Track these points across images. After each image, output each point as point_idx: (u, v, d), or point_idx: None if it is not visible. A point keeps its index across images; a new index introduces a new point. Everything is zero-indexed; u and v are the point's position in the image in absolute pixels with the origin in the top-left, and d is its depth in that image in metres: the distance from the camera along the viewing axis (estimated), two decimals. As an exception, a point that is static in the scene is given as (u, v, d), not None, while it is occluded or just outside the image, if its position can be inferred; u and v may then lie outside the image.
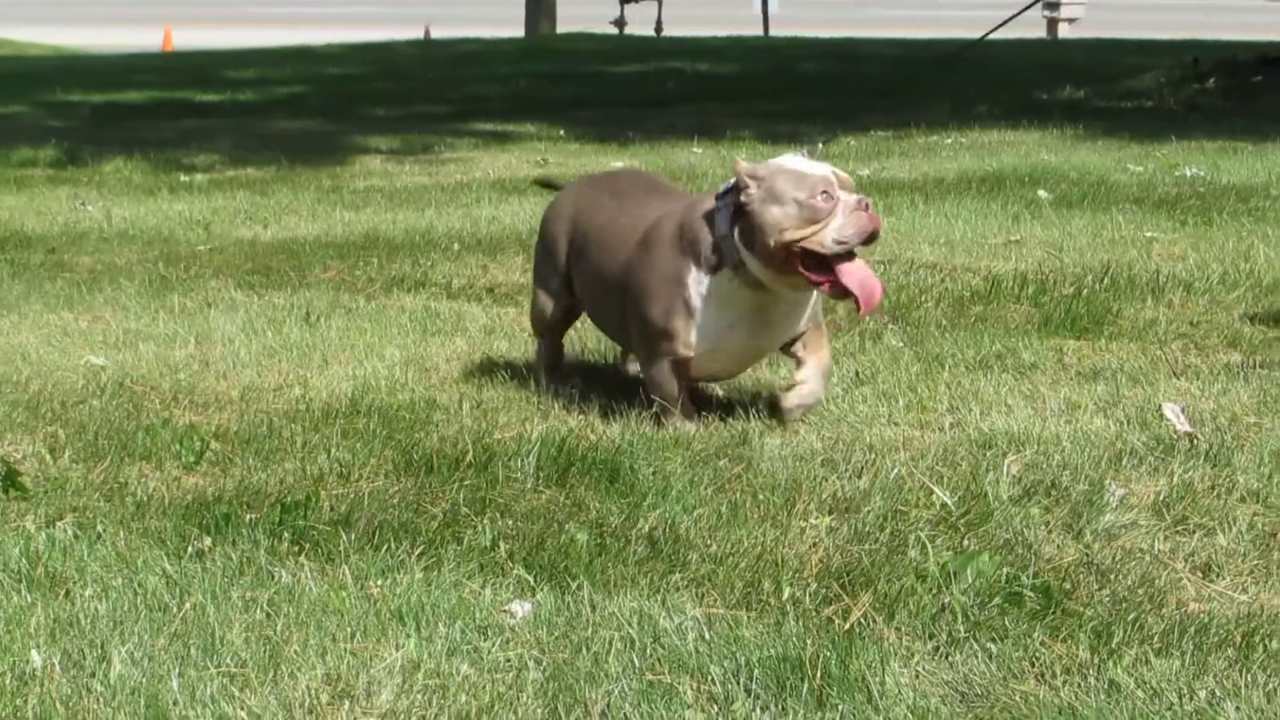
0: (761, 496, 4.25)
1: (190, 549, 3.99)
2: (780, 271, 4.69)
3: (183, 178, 11.99)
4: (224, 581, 3.78)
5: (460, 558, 3.90)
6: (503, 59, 23.53)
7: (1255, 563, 3.81)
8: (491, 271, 7.70)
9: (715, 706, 3.19)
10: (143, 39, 32.39)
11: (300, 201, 10.53)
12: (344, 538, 4.03)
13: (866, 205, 4.65)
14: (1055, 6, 30.85)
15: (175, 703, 3.20)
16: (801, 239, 4.63)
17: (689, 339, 4.83)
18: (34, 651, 3.42)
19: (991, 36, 22.70)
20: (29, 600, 3.70)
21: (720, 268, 4.76)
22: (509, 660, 3.38)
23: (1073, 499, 4.19)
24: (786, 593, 3.65)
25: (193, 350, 6.16)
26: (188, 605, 3.64)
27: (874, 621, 3.51)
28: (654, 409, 4.94)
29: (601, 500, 4.27)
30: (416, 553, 3.93)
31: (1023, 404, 5.07)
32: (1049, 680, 3.25)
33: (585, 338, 5.90)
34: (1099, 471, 4.36)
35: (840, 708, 3.15)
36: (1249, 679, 3.20)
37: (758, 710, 3.17)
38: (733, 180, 4.77)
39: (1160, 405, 4.89)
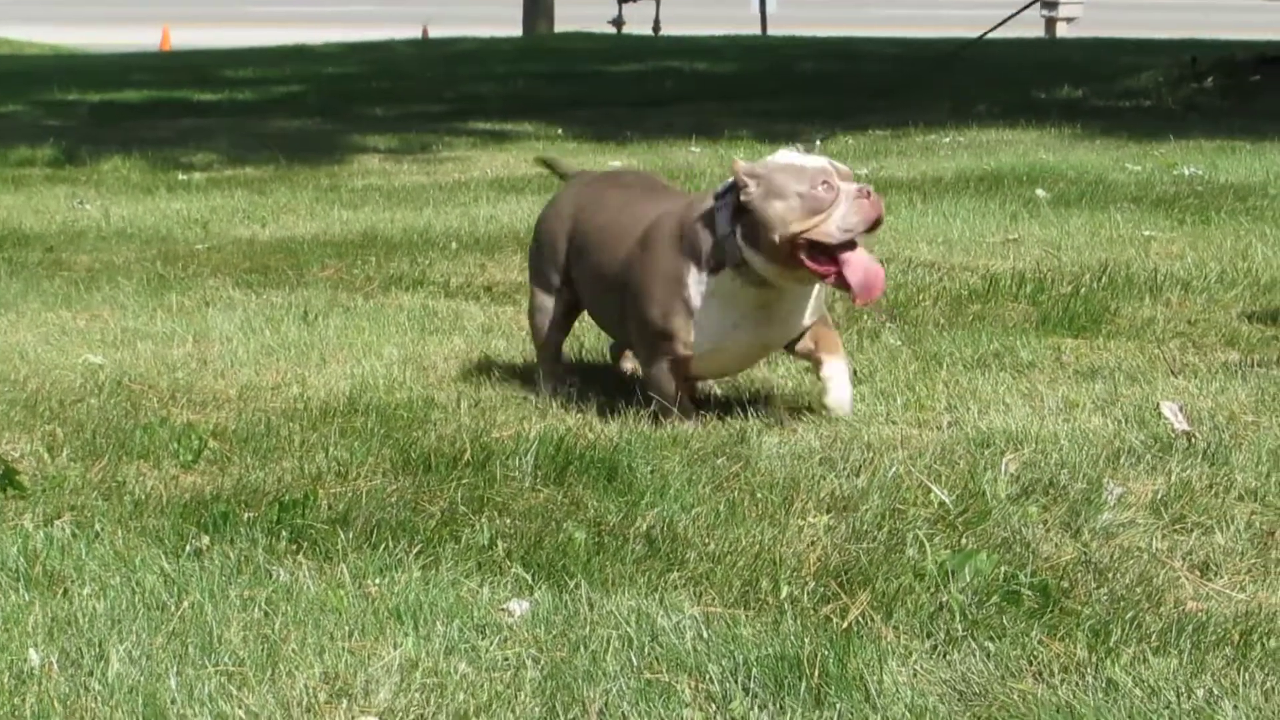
0: (759, 495, 4.25)
1: (188, 548, 3.98)
2: (786, 266, 4.69)
3: (181, 177, 11.99)
4: (222, 580, 3.78)
5: (458, 556, 3.90)
6: (500, 58, 23.52)
7: (1253, 561, 3.81)
8: (489, 270, 7.69)
9: (713, 705, 3.19)
10: (141, 38, 32.37)
11: (298, 200, 10.52)
12: (342, 536, 4.02)
13: (868, 192, 4.65)
14: (1053, 6, 30.84)
15: (173, 701, 3.20)
16: (806, 231, 4.63)
17: (689, 338, 4.83)
18: (32, 650, 3.42)
19: (990, 36, 22.69)
20: (27, 599, 3.70)
21: (722, 267, 4.76)
22: (507, 659, 3.38)
23: (1070, 497, 4.19)
24: (784, 591, 3.65)
25: (191, 349, 6.16)
26: (185, 604, 3.64)
27: (872, 620, 3.51)
28: (652, 408, 4.94)
29: (599, 499, 4.26)
30: (414, 551, 3.93)
31: (1021, 402, 5.07)
32: (1047, 679, 3.25)
33: (583, 338, 5.90)
34: (1097, 470, 4.36)
35: (838, 706, 3.15)
36: (1247, 677, 3.20)
37: (755, 709, 3.17)
38: (730, 180, 4.77)
39: (1158, 404, 4.89)
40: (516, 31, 31.57)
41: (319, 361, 5.92)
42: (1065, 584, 3.66)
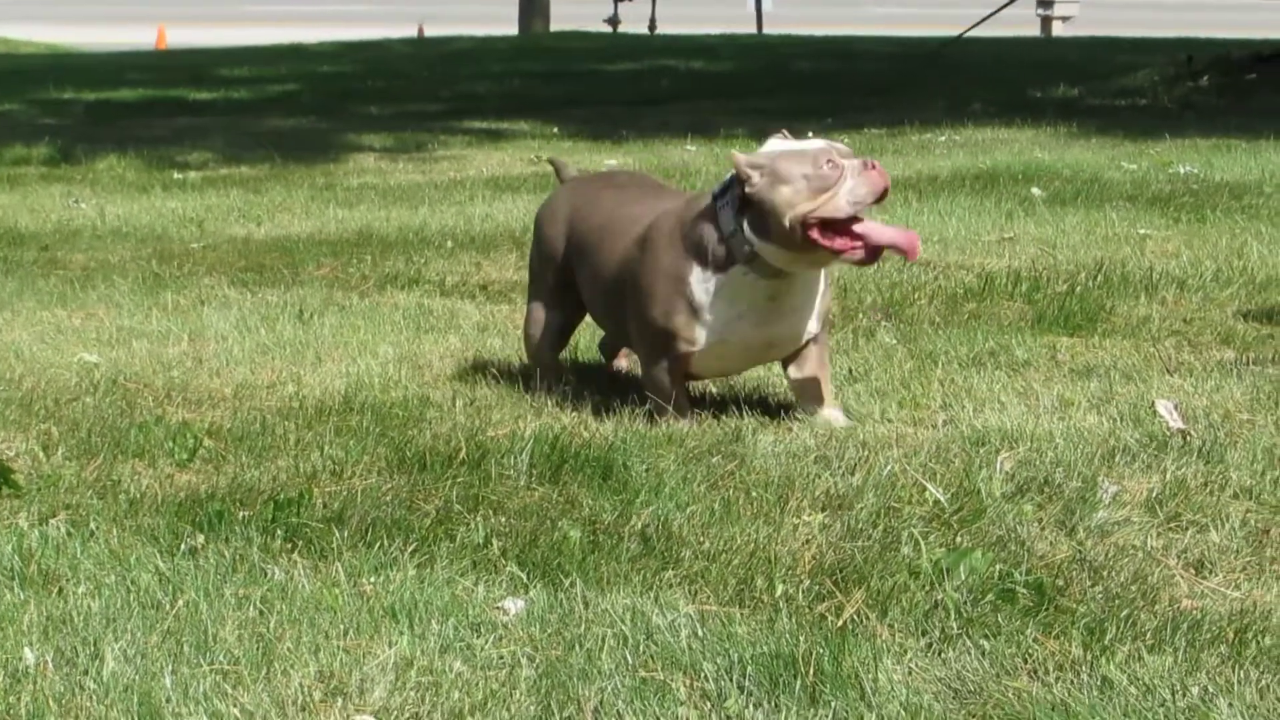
0: (754, 493, 4.25)
1: (183, 546, 3.98)
2: (801, 251, 4.66)
3: (176, 175, 11.99)
4: (217, 579, 3.78)
5: (453, 555, 3.90)
6: (496, 57, 23.52)
7: (1248, 559, 3.81)
8: (485, 269, 7.70)
9: (708, 703, 3.19)
10: (136, 37, 32.36)
11: (294, 199, 10.52)
12: (337, 535, 4.02)
13: (873, 165, 4.65)
14: (1049, 4, 30.87)
15: (168, 700, 3.20)
16: (816, 210, 4.62)
17: (691, 336, 4.81)
18: (27, 649, 3.42)
19: (986, 35, 22.69)
20: (22, 598, 3.70)
21: (730, 264, 4.73)
22: (502, 657, 3.38)
23: (1066, 496, 4.19)
24: (779, 590, 3.65)
25: (186, 347, 6.16)
26: (180, 602, 3.63)
27: (867, 618, 3.51)
28: (647, 406, 4.94)
29: (594, 497, 4.26)
30: (409, 550, 3.93)
31: (1016, 401, 5.07)
32: (1042, 677, 3.25)
33: (578, 337, 5.90)
34: (1092, 468, 4.37)
35: (833, 704, 3.15)
36: (1242, 675, 3.20)
37: (750, 707, 3.17)
38: (729, 177, 4.76)
39: (1153, 402, 4.89)
40: (512, 30, 31.57)
41: (314, 360, 5.92)
42: (1060, 582, 3.66)
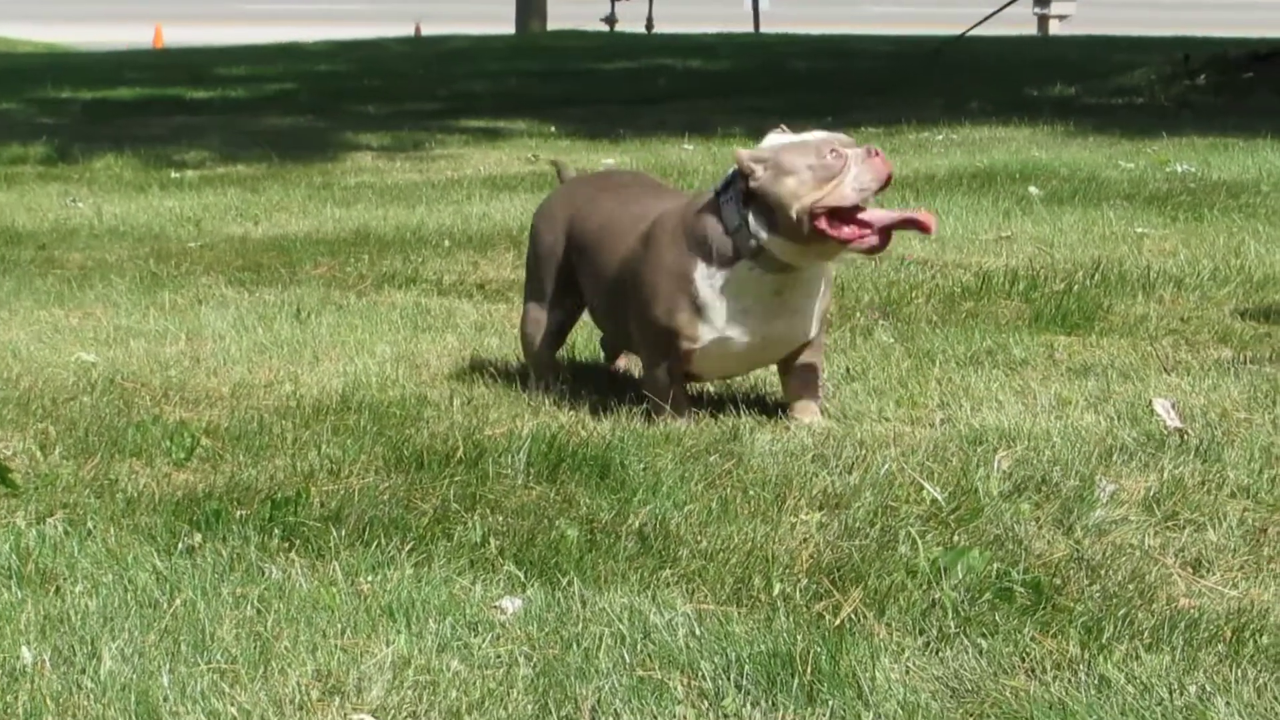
0: (752, 492, 4.25)
1: (180, 545, 3.98)
2: (809, 242, 4.66)
3: (173, 174, 11.98)
4: (214, 578, 3.78)
5: (450, 554, 3.90)
6: (493, 56, 23.52)
7: (1245, 558, 3.81)
8: (482, 268, 7.69)
9: (705, 702, 3.19)
10: (133, 36, 32.36)
11: (291, 198, 10.52)
12: (334, 534, 4.02)
13: (876, 152, 4.66)
14: (1046, 3, 30.88)
15: (165, 699, 3.20)
16: (823, 199, 4.62)
17: (694, 333, 4.80)
18: (24, 648, 3.42)
19: (983, 33, 22.68)
20: (19, 597, 3.70)
21: (736, 259, 4.73)
22: (499, 656, 3.38)
23: (1063, 494, 4.19)
24: (777, 588, 3.65)
25: (183, 347, 6.16)
26: (178, 601, 3.63)
27: (864, 617, 3.51)
28: (644, 405, 4.94)
29: (592, 496, 4.26)
30: (407, 549, 3.93)
31: (1013, 400, 5.07)
32: (1039, 676, 3.25)
33: (574, 336, 5.89)
34: (1089, 467, 4.37)
35: (830, 703, 3.15)
36: (1239, 674, 3.20)
37: (748, 706, 3.17)
38: (730, 173, 4.76)
39: (1151, 401, 4.89)
40: (509, 29, 31.57)
41: (312, 359, 5.92)
42: (1058, 581, 3.66)
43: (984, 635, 3.40)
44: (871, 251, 4.72)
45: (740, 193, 4.71)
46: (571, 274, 5.25)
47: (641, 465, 4.46)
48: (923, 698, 3.16)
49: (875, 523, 4.02)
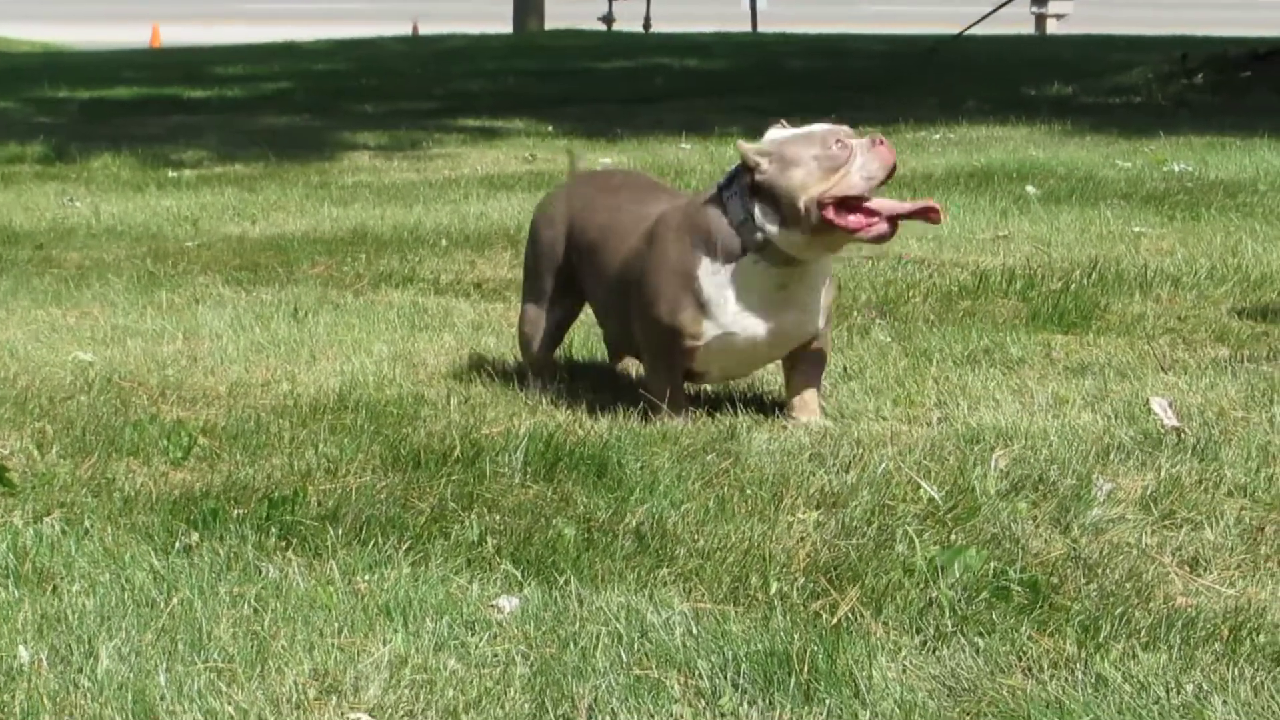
0: (749, 491, 4.25)
1: (178, 544, 3.98)
2: (816, 234, 4.66)
3: (171, 174, 11.98)
4: (211, 577, 3.78)
5: (447, 553, 3.90)
6: (491, 55, 23.51)
7: (1242, 557, 3.81)
8: (479, 267, 7.69)
9: (702, 701, 3.19)
10: (131, 35, 32.34)
11: (288, 198, 10.52)
12: (331, 533, 4.02)
13: (880, 140, 4.67)
14: (1044, 2, 30.88)
15: (162, 698, 3.20)
16: (831, 189, 4.62)
17: (697, 331, 4.79)
18: (21, 647, 3.42)
19: (980, 33, 22.68)
20: (16, 596, 3.70)
21: (741, 253, 4.72)
22: (496, 655, 3.38)
23: (1060, 493, 4.19)
24: (774, 587, 3.65)
25: (181, 346, 6.15)
26: (175, 600, 3.63)
27: (861, 616, 3.51)
28: (641, 404, 4.93)
29: (589, 495, 4.26)
30: (404, 548, 3.93)
31: (1010, 399, 5.07)
32: (1036, 674, 3.25)
33: (572, 335, 5.89)
34: (1086, 466, 4.37)
35: (827, 702, 3.15)
36: (1236, 673, 3.20)
37: (745, 705, 3.17)
38: (734, 168, 4.76)
39: (1148, 400, 4.89)
40: (507, 28, 31.54)
41: (309, 358, 5.92)
42: (1055, 580, 3.66)
43: (981, 634, 3.40)
44: (880, 239, 4.72)
45: (745, 187, 4.71)
46: (571, 274, 5.25)
47: (639, 464, 4.46)
48: (920, 696, 3.16)
49: (872, 522, 4.02)
